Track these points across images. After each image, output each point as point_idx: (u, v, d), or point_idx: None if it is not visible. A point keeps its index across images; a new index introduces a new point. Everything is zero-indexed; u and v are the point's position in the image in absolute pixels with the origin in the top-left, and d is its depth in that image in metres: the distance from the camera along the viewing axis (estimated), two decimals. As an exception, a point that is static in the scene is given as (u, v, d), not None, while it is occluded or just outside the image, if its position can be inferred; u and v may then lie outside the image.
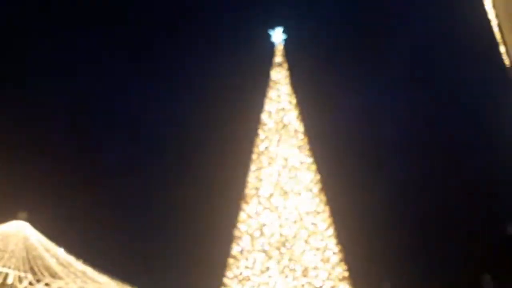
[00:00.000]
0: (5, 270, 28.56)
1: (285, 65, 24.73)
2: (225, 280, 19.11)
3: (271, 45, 25.32)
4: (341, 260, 19.09)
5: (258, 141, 22.28)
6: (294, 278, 17.63)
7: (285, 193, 19.87)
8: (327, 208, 20.30)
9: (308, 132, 22.91)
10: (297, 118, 23.12)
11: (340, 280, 18.45)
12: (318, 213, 19.68)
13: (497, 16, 10.18)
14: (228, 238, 20.18)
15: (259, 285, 17.85)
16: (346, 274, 18.92)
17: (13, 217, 30.90)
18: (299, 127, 22.75)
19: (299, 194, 19.95)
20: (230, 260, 19.43)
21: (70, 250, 31.49)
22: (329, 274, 18.21)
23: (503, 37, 10.50)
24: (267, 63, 24.84)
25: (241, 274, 18.58)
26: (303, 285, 17.51)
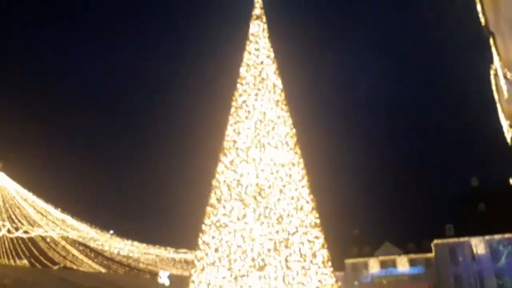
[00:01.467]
0: (-17, 219, 28.82)
1: (264, 18, 24.53)
2: (203, 226, 20.06)
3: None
4: (313, 209, 20.15)
5: (236, 95, 22.55)
6: (269, 225, 18.63)
7: (262, 145, 20.50)
8: (301, 161, 21.13)
9: (285, 87, 23.27)
10: (275, 72, 23.32)
11: (312, 226, 19.57)
12: (293, 165, 20.49)
13: None
14: (206, 188, 21.02)
15: (235, 231, 18.83)
16: (318, 221, 20.08)
17: (-12, 167, 30.74)
18: (277, 81, 23.01)
19: (276, 147, 20.60)
20: (208, 208, 20.30)
21: (48, 199, 31.83)
22: (302, 221, 19.27)
23: (481, 1, 10.84)
24: (247, 15, 24.60)
25: (218, 221, 19.50)
26: (277, 231, 18.55)
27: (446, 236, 56.43)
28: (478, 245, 53.36)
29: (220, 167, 20.89)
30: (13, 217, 28.91)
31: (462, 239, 53.92)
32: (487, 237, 53.41)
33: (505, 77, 17.34)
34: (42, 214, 29.34)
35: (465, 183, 63.06)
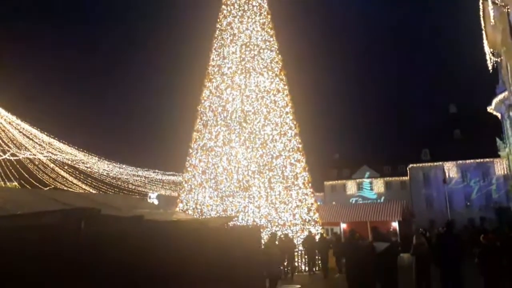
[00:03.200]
0: (-33, 141, 28.64)
1: None
2: (190, 150, 20.58)
3: None
4: (296, 134, 20.67)
5: (221, 16, 21.81)
6: (254, 149, 19.21)
7: (247, 71, 20.35)
8: (286, 87, 21.17)
9: (271, 8, 22.52)
10: (261, -8, 22.38)
11: (295, 151, 20.23)
12: (278, 91, 20.58)
13: None
14: (192, 113, 21.17)
15: (221, 154, 19.42)
16: (300, 146, 20.72)
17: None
18: (263, 2, 22.20)
19: (261, 73, 20.48)
20: (195, 134, 20.66)
21: (34, 123, 31.56)
22: (285, 146, 19.87)
23: None
24: None
25: (205, 145, 19.98)
26: (261, 155, 19.18)
27: (422, 160, 59.14)
28: (451, 169, 56.35)
29: (205, 93, 20.90)
30: (-1, 140, 28.85)
31: (436, 163, 56.68)
32: (459, 161, 56.25)
33: (493, 2, 17.16)
34: (28, 137, 29.31)
35: (444, 110, 64.63)
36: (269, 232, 15.14)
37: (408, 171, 61.93)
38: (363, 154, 66.71)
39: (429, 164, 58.51)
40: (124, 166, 37.99)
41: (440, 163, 55.45)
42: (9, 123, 29.06)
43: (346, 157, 69.28)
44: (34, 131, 29.48)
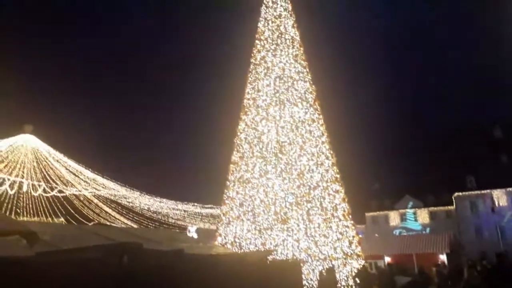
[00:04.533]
0: (19, 179, 30.28)
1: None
2: (227, 183, 20.68)
3: None
4: (333, 164, 20.37)
5: (254, 51, 22.35)
6: (290, 180, 19.04)
7: (282, 102, 20.54)
8: (321, 117, 21.13)
9: (304, 40, 22.88)
10: (293, 26, 22.89)
11: (333, 181, 19.87)
12: (313, 121, 20.54)
13: None
14: (229, 146, 21.44)
15: (258, 186, 19.36)
16: (338, 176, 20.35)
17: (20, 130, 31.78)
18: (295, 35, 22.62)
19: (295, 103, 20.59)
20: (232, 166, 20.81)
21: (79, 160, 33.16)
22: (323, 176, 19.57)
23: None
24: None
25: (241, 177, 20.04)
26: (298, 186, 18.95)
27: (468, 188, 56.26)
28: (500, 197, 53.17)
29: (241, 125, 21.18)
30: (48, 177, 30.31)
31: (483, 191, 53.72)
32: (509, 189, 53.03)
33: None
34: (74, 174, 30.63)
35: (488, 134, 61.85)
36: (326, 267, 14.77)
37: (454, 200, 58.95)
38: (405, 183, 64.40)
39: (476, 192, 55.53)
40: (164, 200, 38.73)
41: (488, 191, 52.57)
42: (57, 161, 30.53)
43: (387, 187, 67.07)
44: (80, 167, 30.81)
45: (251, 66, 22.17)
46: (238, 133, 21.17)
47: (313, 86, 21.60)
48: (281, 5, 22.97)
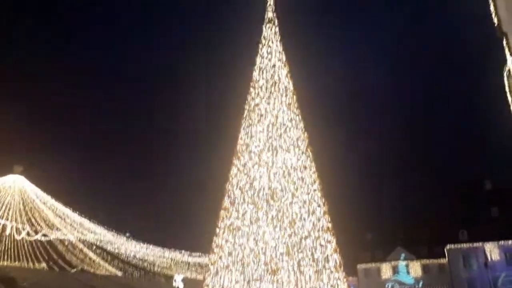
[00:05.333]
0: (2, 221, 29.37)
1: (276, 21, 24.79)
2: (217, 230, 20.21)
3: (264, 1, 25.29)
4: (325, 213, 20.15)
5: (249, 98, 22.76)
6: (282, 229, 18.68)
7: (274, 149, 20.63)
8: (313, 164, 21.18)
9: (297, 89, 23.42)
10: (287, 75, 23.50)
11: (324, 230, 19.56)
12: (305, 168, 20.55)
13: None
14: (220, 191, 21.20)
15: (248, 234, 18.93)
16: (330, 225, 20.05)
17: (9, 171, 31.34)
18: (289, 84, 23.17)
19: (288, 150, 20.70)
20: (222, 212, 20.45)
21: (67, 203, 32.40)
22: (314, 225, 19.28)
23: (493, 0, 10.82)
24: (260, 19, 24.90)
25: (232, 224, 19.63)
26: (290, 235, 18.58)
27: (460, 241, 55.67)
28: (493, 250, 52.55)
29: (233, 170, 21.08)
30: (33, 220, 29.51)
31: (476, 244, 53.15)
32: (501, 242, 52.58)
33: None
34: (60, 217, 29.84)
35: (478, 187, 62.18)
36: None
37: (446, 253, 58.09)
38: (397, 234, 63.61)
39: (468, 245, 54.91)
40: (151, 246, 37.62)
41: (480, 244, 51.99)
42: (44, 203, 29.85)
43: (379, 238, 66.09)
44: (67, 210, 30.08)
45: (245, 112, 22.47)
46: (230, 178, 21.02)
47: (306, 133, 21.85)
48: (275, 56, 23.72)
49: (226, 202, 20.53)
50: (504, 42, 11.16)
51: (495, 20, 11.07)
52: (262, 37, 24.18)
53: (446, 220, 59.88)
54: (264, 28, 24.44)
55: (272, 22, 24.66)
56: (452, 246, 56.74)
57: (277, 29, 24.59)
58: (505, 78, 18.68)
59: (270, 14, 24.90)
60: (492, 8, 11.04)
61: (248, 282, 17.79)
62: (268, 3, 25.27)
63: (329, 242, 19.26)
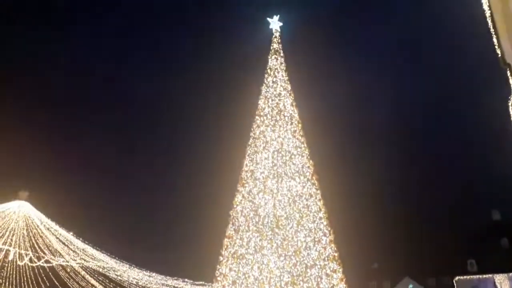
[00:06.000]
0: (5, 247, 29.29)
1: (281, 52, 25.40)
2: (220, 258, 20.00)
3: (270, 33, 26.05)
4: (331, 241, 19.93)
5: (254, 126, 23.00)
6: (286, 257, 18.46)
7: (279, 176, 20.65)
8: (319, 192, 21.12)
9: (302, 118, 23.69)
10: (292, 104, 23.83)
11: (330, 260, 19.29)
12: (311, 196, 20.49)
13: (489, 6, 10.66)
14: (224, 219, 21.08)
15: (253, 263, 18.69)
16: (336, 254, 19.79)
17: (15, 196, 31.53)
18: (294, 112, 23.45)
19: (293, 177, 20.71)
20: (226, 240, 20.29)
21: (70, 228, 32.34)
22: (320, 254, 19.04)
23: (494, 27, 11.04)
24: (266, 49, 25.57)
25: (236, 252, 19.43)
26: (295, 264, 18.33)
27: (469, 272, 54.43)
28: (503, 282, 51.23)
29: (238, 198, 21.05)
30: (36, 246, 29.46)
31: (485, 276, 51.91)
32: (511, 274, 51.34)
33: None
34: (64, 243, 29.75)
35: (486, 217, 61.27)
36: None
37: (455, 284, 56.65)
38: (404, 264, 62.27)
39: (478, 276, 53.62)
40: (154, 274, 37.12)
41: (490, 275, 50.76)
42: (48, 229, 29.82)
43: (386, 267, 64.71)
44: (70, 236, 30.00)
45: (250, 140, 22.66)
46: (235, 206, 20.96)
47: (311, 161, 21.91)
48: (281, 85, 24.13)
49: (230, 230, 20.39)
50: (508, 73, 11.29)
51: (498, 52, 11.26)
52: (268, 67, 24.72)
53: (454, 251, 58.70)
54: (270, 59, 25.02)
55: (278, 53, 25.27)
56: (461, 277, 55.43)
57: (282, 59, 25.17)
58: (510, 109, 18.80)
59: (275, 45, 25.56)
60: (495, 40, 11.24)
61: (252, 312, 17.42)
62: (274, 35, 26.03)
63: (335, 271, 18.96)
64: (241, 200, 20.85)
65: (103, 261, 30.86)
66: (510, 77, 11.63)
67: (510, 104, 14.34)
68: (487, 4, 10.76)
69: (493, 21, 10.86)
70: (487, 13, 10.98)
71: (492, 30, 11.15)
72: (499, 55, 11.26)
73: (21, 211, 30.89)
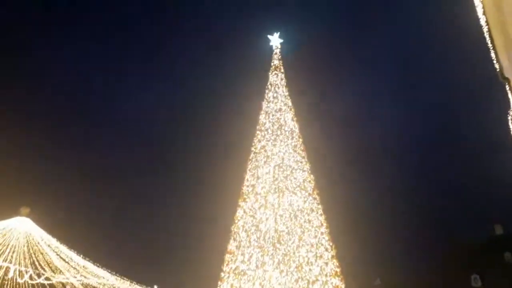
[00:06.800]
0: (6, 264, 29.07)
1: (282, 68, 25.71)
2: (222, 274, 19.84)
3: (270, 49, 26.47)
4: (333, 257, 19.81)
5: (255, 141, 23.11)
6: (288, 273, 18.32)
7: (280, 190, 20.65)
8: (320, 207, 21.08)
9: (302, 132, 23.81)
10: (293, 119, 23.99)
11: (333, 275, 19.14)
12: (312, 210, 20.45)
13: (486, 21, 10.82)
14: (225, 234, 21.00)
15: (254, 279, 18.55)
16: (338, 270, 19.64)
17: (16, 213, 31.45)
18: (294, 127, 23.59)
19: (294, 192, 20.70)
20: (227, 256, 20.17)
21: (71, 245, 32.10)
22: (322, 269, 18.90)
23: (492, 42, 11.18)
24: (266, 66, 25.95)
25: (237, 268, 19.29)
26: (296, 280, 18.19)
27: (473, 287, 53.76)
28: (509, 297, 50.56)
29: (239, 212, 21.01)
30: (36, 263, 29.24)
31: (490, 291, 51.23)
32: (517, 289, 50.68)
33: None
34: (64, 260, 29.51)
35: (488, 231, 60.73)
36: None
37: (460, 300, 55.83)
38: (406, 279, 61.46)
39: (483, 292, 52.90)
40: (155, 290, 36.71)
41: (496, 291, 50.04)
42: (49, 245, 29.61)
43: (389, 283, 63.81)
44: (71, 253, 29.77)
45: (251, 155, 22.74)
46: (236, 221, 20.89)
47: (312, 175, 21.93)
48: (281, 100, 24.34)
49: (232, 245, 20.28)
50: (507, 87, 11.39)
51: (497, 66, 11.38)
52: (268, 83, 24.99)
53: (458, 266, 58.02)
54: (270, 75, 25.33)
55: (278, 69, 25.58)
56: (466, 293, 54.69)
57: (283, 75, 25.47)
58: (510, 122, 18.90)
59: (276, 61, 25.91)
60: (493, 54, 11.38)
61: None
62: (274, 52, 26.42)
63: (337, 287, 18.77)
64: (243, 215, 20.81)
65: (104, 277, 30.60)
66: (509, 91, 11.74)
67: (509, 118, 14.42)
68: (484, 18, 10.92)
69: (490, 36, 11.00)
70: (485, 27, 11.14)
71: (490, 44, 11.30)
72: (498, 70, 11.39)
73: (22, 227, 30.75)
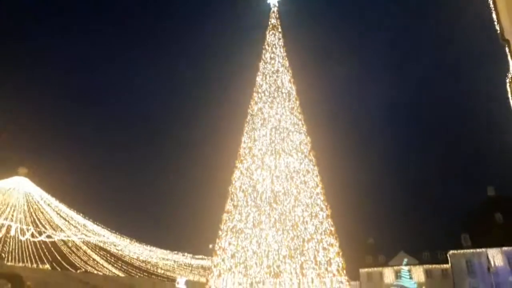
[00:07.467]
0: (7, 222, 29.64)
1: (280, 28, 25.09)
2: (219, 232, 20.36)
3: (267, 8, 25.67)
4: (328, 216, 20.25)
5: (252, 102, 22.97)
6: (284, 232, 18.81)
7: (277, 152, 20.80)
8: (316, 168, 21.31)
9: (300, 94, 23.63)
10: (290, 80, 23.72)
11: (327, 234, 19.65)
12: (308, 172, 20.69)
13: None
14: (223, 194, 21.36)
15: (251, 237, 19.06)
16: (333, 229, 20.16)
17: (14, 173, 31.70)
18: (292, 89, 23.37)
19: (290, 154, 20.86)
20: (225, 215, 20.60)
21: (71, 204, 32.70)
22: (317, 228, 19.39)
23: (494, 3, 10.95)
24: (263, 25, 25.26)
25: (234, 227, 19.78)
26: (292, 238, 18.70)
27: (463, 246, 55.38)
28: (496, 256, 52.27)
29: (236, 174, 21.25)
30: (37, 221, 29.82)
31: (478, 250, 52.86)
32: (504, 248, 52.29)
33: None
34: (65, 219, 30.10)
35: (481, 193, 61.98)
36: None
37: (449, 258, 57.83)
38: (399, 239, 63.47)
39: (471, 250, 54.64)
40: (154, 249, 37.75)
41: (483, 249, 51.70)
42: (48, 205, 30.09)
43: (382, 242, 65.97)
44: (71, 212, 30.33)
45: (248, 117, 22.69)
46: (233, 182, 21.18)
47: (308, 137, 22.01)
48: (278, 62, 23.95)
49: (229, 205, 20.68)
50: (507, 49, 11.28)
51: (498, 28, 11.21)
52: (265, 43, 24.46)
53: (449, 226, 59.72)
54: (267, 34, 24.73)
55: (276, 28, 24.95)
56: (455, 251, 56.46)
57: (280, 35, 24.88)
58: (508, 84, 18.80)
59: (273, 20, 25.21)
60: (494, 16, 11.18)
61: (251, 284, 17.89)
62: (272, 10, 25.62)
63: (331, 245, 19.35)
64: (240, 176, 21.07)
65: (104, 236, 31.34)
66: (508, 53, 11.61)
67: (508, 80, 14.34)
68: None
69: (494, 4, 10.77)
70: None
71: (491, 6, 11.06)
72: (498, 31, 11.21)
73: (21, 187, 31.08)
